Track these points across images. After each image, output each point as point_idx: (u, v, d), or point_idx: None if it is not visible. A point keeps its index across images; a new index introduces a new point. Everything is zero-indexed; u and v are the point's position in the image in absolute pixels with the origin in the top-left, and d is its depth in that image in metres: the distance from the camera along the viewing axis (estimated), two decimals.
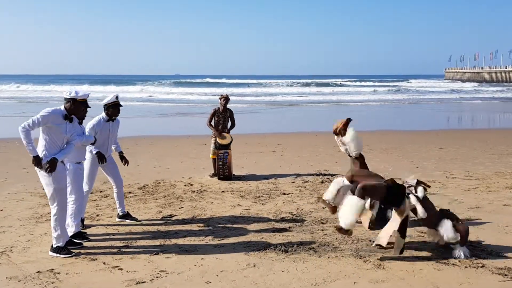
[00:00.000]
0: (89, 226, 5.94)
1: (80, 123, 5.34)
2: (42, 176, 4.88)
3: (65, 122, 4.92)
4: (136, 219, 6.25)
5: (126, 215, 6.27)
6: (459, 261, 4.63)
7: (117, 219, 6.26)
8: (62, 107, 4.95)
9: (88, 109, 5.14)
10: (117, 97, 6.06)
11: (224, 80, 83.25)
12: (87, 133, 5.65)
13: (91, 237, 5.50)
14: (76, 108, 4.96)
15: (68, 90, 5.02)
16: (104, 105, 6.01)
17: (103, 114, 6.02)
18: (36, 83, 60.09)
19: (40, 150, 4.82)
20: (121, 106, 6.12)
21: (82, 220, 5.93)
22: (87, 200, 6.12)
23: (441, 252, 4.88)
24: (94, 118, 5.99)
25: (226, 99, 9.16)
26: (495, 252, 4.89)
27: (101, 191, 7.80)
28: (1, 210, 6.72)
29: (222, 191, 7.89)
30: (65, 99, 4.97)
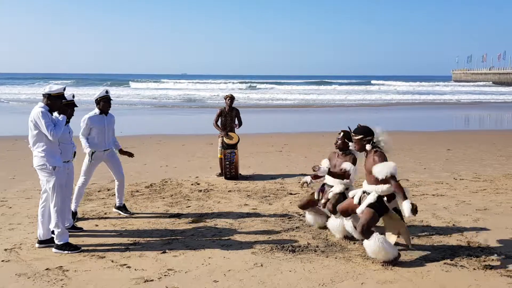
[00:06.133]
0: (96, 224, 5.98)
1: (67, 122, 5.31)
2: (43, 173, 4.96)
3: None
4: (130, 213, 6.44)
5: (121, 207, 6.48)
6: (467, 262, 4.61)
7: (114, 210, 6.50)
8: (42, 105, 4.95)
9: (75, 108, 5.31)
10: (107, 92, 6.28)
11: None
12: (81, 127, 6.08)
13: (99, 235, 5.56)
14: (53, 104, 4.98)
15: (45, 87, 5.09)
16: (95, 100, 6.21)
17: (96, 109, 6.21)
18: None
19: (45, 153, 4.93)
20: (111, 100, 6.30)
21: (75, 213, 6.10)
22: (83, 193, 6.29)
23: (449, 253, 4.87)
24: (87, 114, 6.20)
25: (231, 98, 9.18)
26: (504, 254, 4.86)
27: (108, 189, 7.83)
28: (10, 207, 6.77)
29: (229, 191, 7.91)
30: (44, 95, 5.01)
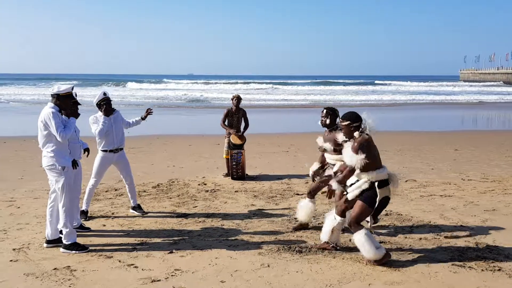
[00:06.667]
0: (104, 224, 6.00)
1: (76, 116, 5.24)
2: (52, 173, 5.00)
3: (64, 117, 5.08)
4: (143, 212, 6.50)
5: (136, 207, 6.55)
6: (475, 264, 4.58)
7: (130, 210, 6.56)
8: (52, 105, 5.00)
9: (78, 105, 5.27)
10: (105, 94, 6.28)
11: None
12: (93, 128, 6.12)
13: (106, 235, 5.58)
14: (62, 104, 5.02)
15: (53, 87, 5.12)
16: (96, 104, 6.23)
17: (99, 113, 6.26)
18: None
19: (55, 153, 4.96)
20: (111, 100, 6.32)
21: (86, 212, 6.21)
22: (92, 194, 6.38)
23: (457, 255, 4.84)
24: (91, 116, 6.24)
25: (238, 99, 9.19)
26: None
27: (116, 190, 7.87)
28: (18, 207, 6.82)
29: (235, 191, 7.91)
30: (52, 96, 5.05)
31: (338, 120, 5.50)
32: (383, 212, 6.33)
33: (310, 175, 5.94)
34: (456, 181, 8.62)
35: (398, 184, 4.76)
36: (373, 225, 4.95)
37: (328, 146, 5.49)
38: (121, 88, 55.11)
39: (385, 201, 4.72)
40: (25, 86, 55.83)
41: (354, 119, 4.72)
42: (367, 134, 4.67)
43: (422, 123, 21.07)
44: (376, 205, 4.65)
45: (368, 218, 4.92)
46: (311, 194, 5.91)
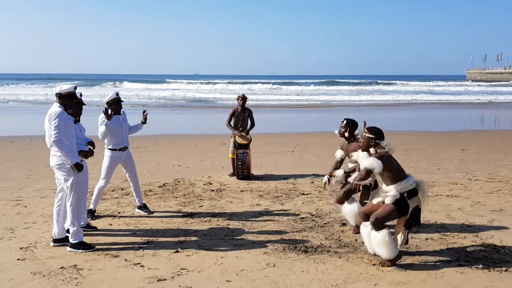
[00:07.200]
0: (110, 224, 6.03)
1: (77, 121, 5.29)
2: (61, 172, 5.03)
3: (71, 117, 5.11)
4: (149, 211, 6.53)
5: (142, 207, 6.59)
6: (482, 264, 4.55)
7: (137, 210, 6.59)
8: (58, 105, 5.04)
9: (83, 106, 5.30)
10: (117, 94, 6.33)
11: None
12: (100, 129, 6.08)
13: (113, 234, 5.61)
14: (65, 103, 5.06)
15: (56, 86, 5.16)
16: (107, 103, 6.26)
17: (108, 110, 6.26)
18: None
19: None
20: (122, 101, 6.37)
21: (93, 212, 6.26)
22: (100, 195, 6.41)
23: (464, 255, 4.82)
24: (100, 114, 6.22)
25: (243, 99, 9.20)
26: None
27: (122, 189, 7.90)
28: (25, 206, 6.86)
29: (241, 191, 7.91)
30: (56, 95, 5.09)
31: (357, 131, 5.56)
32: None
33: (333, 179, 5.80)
34: (462, 181, 8.58)
35: (426, 192, 4.72)
36: (404, 245, 4.86)
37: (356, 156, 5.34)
38: (124, 88, 55.22)
39: (417, 212, 4.70)
40: (24, 86, 56.05)
41: (378, 136, 4.69)
42: (386, 151, 4.64)
43: (429, 123, 20.98)
44: (408, 215, 4.63)
45: (399, 236, 4.80)
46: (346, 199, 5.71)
